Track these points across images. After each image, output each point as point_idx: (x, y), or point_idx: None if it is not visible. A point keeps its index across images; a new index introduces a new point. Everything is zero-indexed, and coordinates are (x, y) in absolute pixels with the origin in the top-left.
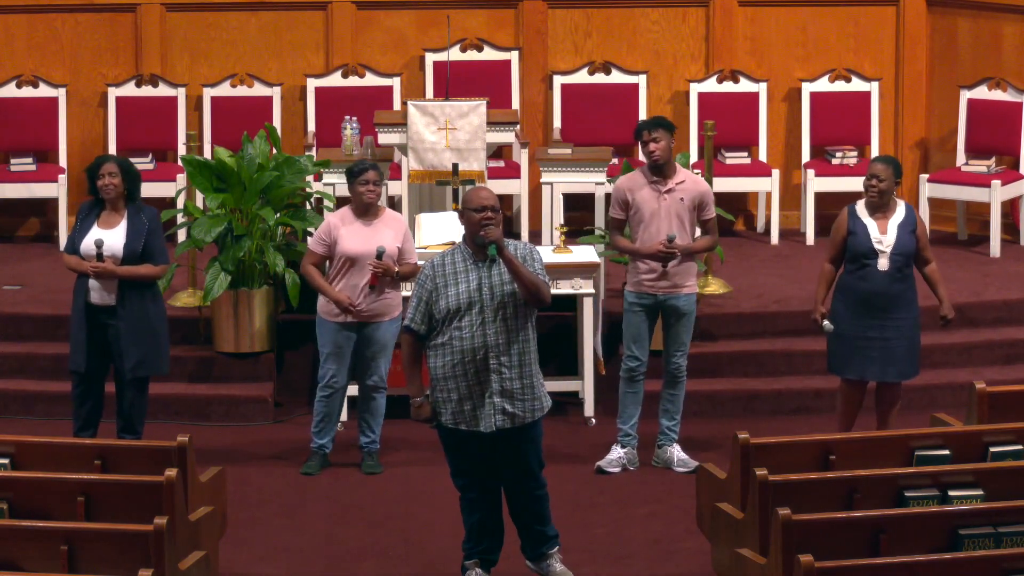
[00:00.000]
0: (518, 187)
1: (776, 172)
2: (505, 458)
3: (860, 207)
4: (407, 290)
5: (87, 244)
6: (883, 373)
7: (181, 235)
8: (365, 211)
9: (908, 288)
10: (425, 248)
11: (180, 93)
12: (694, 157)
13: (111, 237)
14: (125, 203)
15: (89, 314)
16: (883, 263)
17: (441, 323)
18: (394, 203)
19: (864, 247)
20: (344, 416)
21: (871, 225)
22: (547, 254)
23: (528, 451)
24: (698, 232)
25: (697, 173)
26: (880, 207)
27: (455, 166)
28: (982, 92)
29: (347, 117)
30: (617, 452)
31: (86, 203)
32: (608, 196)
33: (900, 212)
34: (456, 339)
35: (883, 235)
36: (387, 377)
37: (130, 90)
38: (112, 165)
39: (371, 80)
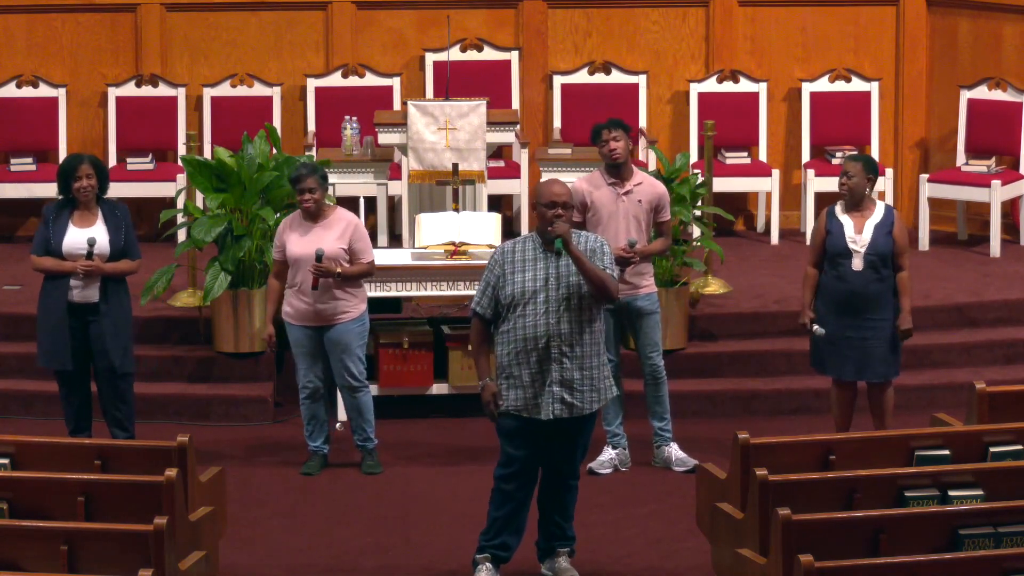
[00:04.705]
0: (518, 187)
1: (776, 172)
2: (559, 445)
3: (839, 207)
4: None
5: (73, 243)
6: (860, 373)
7: (181, 235)
8: (310, 214)
9: (886, 289)
10: (425, 248)
11: (180, 93)
12: (694, 157)
13: (96, 235)
14: (97, 200)
15: (71, 313)
16: (857, 263)
17: (506, 310)
18: (394, 203)
19: (838, 246)
20: (342, 416)
21: (847, 224)
22: None
23: (579, 442)
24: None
25: (653, 174)
26: (855, 205)
27: (455, 166)
28: (982, 92)
29: (347, 117)
30: (608, 453)
31: (53, 204)
32: None
33: (878, 213)
34: (520, 327)
35: (858, 234)
36: (364, 375)
37: (130, 90)
38: (88, 166)
39: (371, 80)
